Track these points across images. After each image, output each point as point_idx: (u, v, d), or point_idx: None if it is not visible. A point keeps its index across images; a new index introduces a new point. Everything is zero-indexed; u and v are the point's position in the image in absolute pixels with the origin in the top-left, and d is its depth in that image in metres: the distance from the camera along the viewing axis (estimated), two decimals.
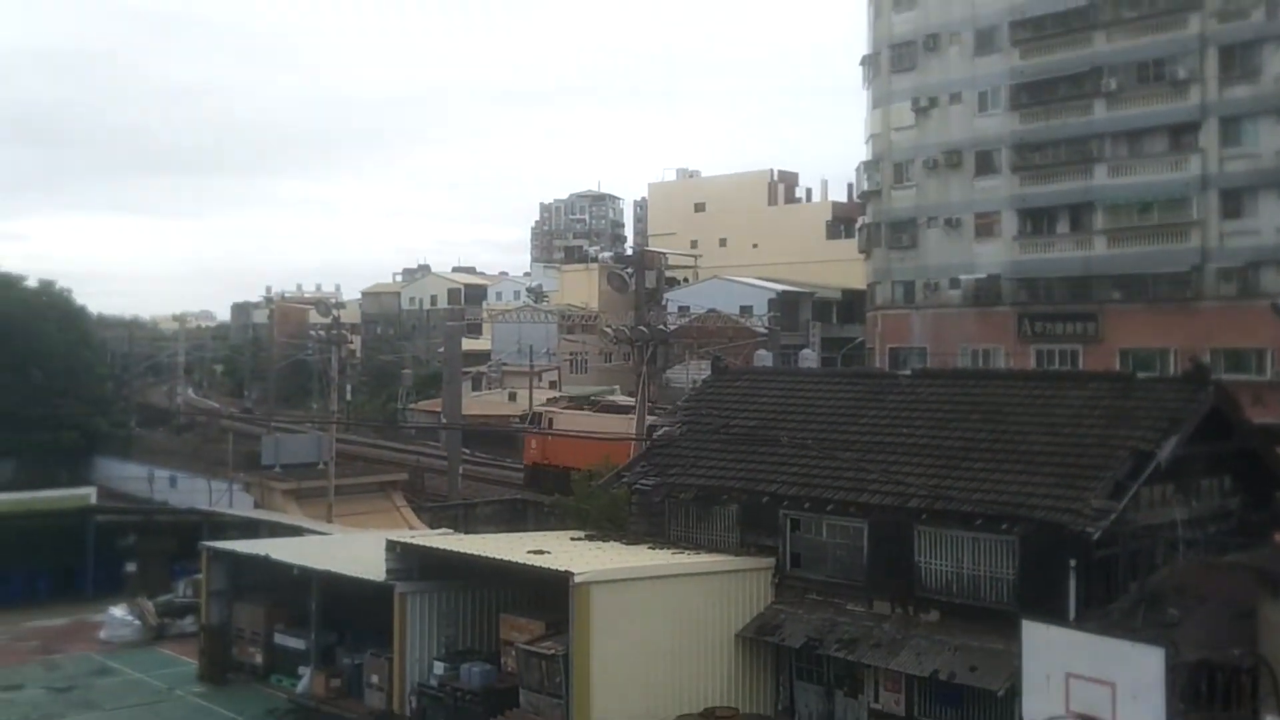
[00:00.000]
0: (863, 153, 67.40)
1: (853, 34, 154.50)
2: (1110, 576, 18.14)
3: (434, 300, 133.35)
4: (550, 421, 56.20)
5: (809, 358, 63.46)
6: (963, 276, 60.76)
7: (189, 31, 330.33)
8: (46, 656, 28.26)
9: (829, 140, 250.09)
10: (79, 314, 74.71)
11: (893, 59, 64.24)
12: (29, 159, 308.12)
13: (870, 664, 19.34)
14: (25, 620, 31.84)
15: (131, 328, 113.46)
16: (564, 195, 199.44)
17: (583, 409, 58.80)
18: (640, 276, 32.33)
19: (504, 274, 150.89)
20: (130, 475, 57.17)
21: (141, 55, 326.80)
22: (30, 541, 34.20)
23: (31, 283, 72.11)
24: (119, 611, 30.14)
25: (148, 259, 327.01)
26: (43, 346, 65.44)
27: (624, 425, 42.47)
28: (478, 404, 79.98)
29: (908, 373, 25.65)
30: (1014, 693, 16.74)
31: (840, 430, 22.66)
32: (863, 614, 20.15)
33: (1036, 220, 58.40)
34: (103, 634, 29.86)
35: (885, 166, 64.95)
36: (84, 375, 69.32)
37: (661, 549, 22.38)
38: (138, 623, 29.76)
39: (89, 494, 40.00)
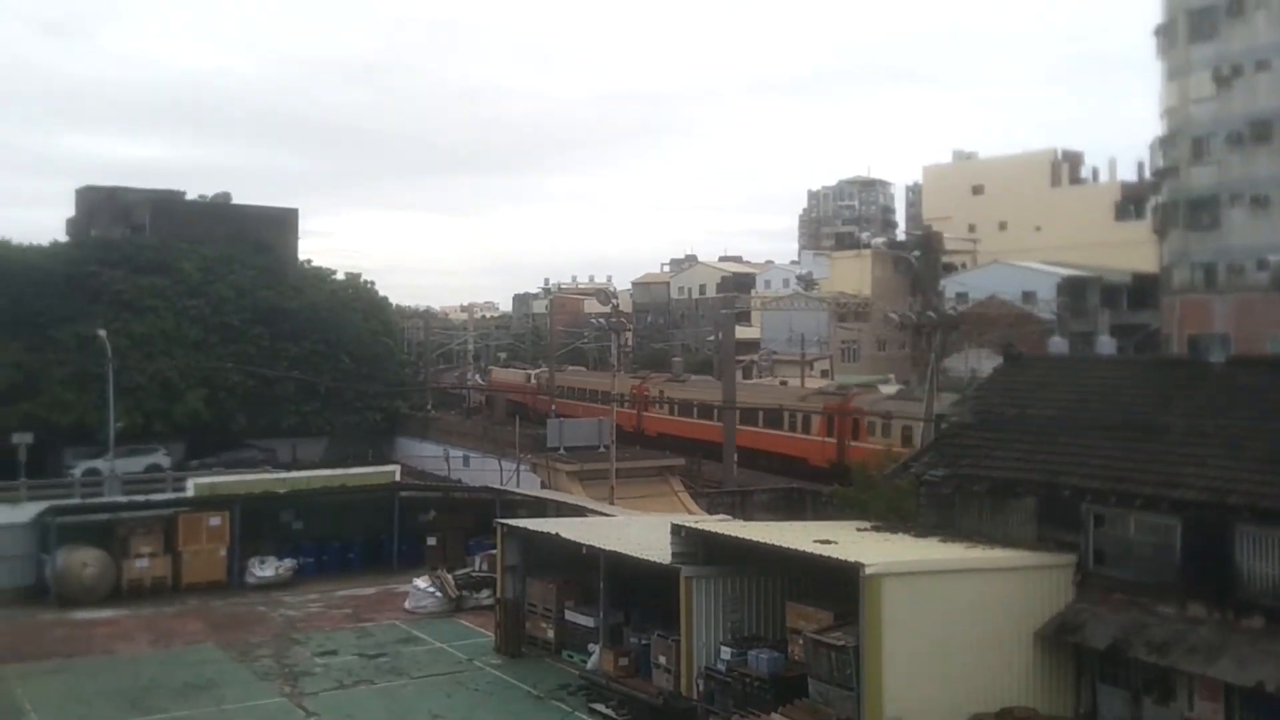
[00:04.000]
0: (1156, 128, 63.96)
1: (1143, 2, 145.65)
2: None
3: (702, 289, 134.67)
4: None
5: (1107, 345, 60.33)
6: (1271, 258, 56.43)
7: (465, 35, 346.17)
8: (358, 624, 30.16)
9: (1117, 117, 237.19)
10: (381, 305, 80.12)
11: (1190, 27, 60.34)
12: (327, 163, 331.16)
13: (1185, 670, 18.21)
14: (339, 589, 34.20)
15: (426, 318, 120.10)
16: (832, 182, 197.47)
17: None
18: (931, 259, 31.35)
19: (770, 262, 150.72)
20: (428, 454, 60.71)
21: (422, 60, 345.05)
22: (344, 515, 36.77)
23: (339, 277, 77.90)
24: (422, 583, 31.87)
25: (437, 254, 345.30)
26: (350, 335, 70.54)
27: None
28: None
29: (1221, 359, 23.92)
30: None
31: (1148, 421, 21.40)
32: (1174, 616, 18.98)
33: None
34: (407, 604, 31.58)
35: (1182, 142, 61.14)
36: (386, 361, 74.29)
37: (953, 542, 21.81)
38: (439, 594, 31.34)
39: (394, 471, 42.61)
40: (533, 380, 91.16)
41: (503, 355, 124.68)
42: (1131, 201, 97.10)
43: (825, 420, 55.23)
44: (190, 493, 37.37)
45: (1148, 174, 78.81)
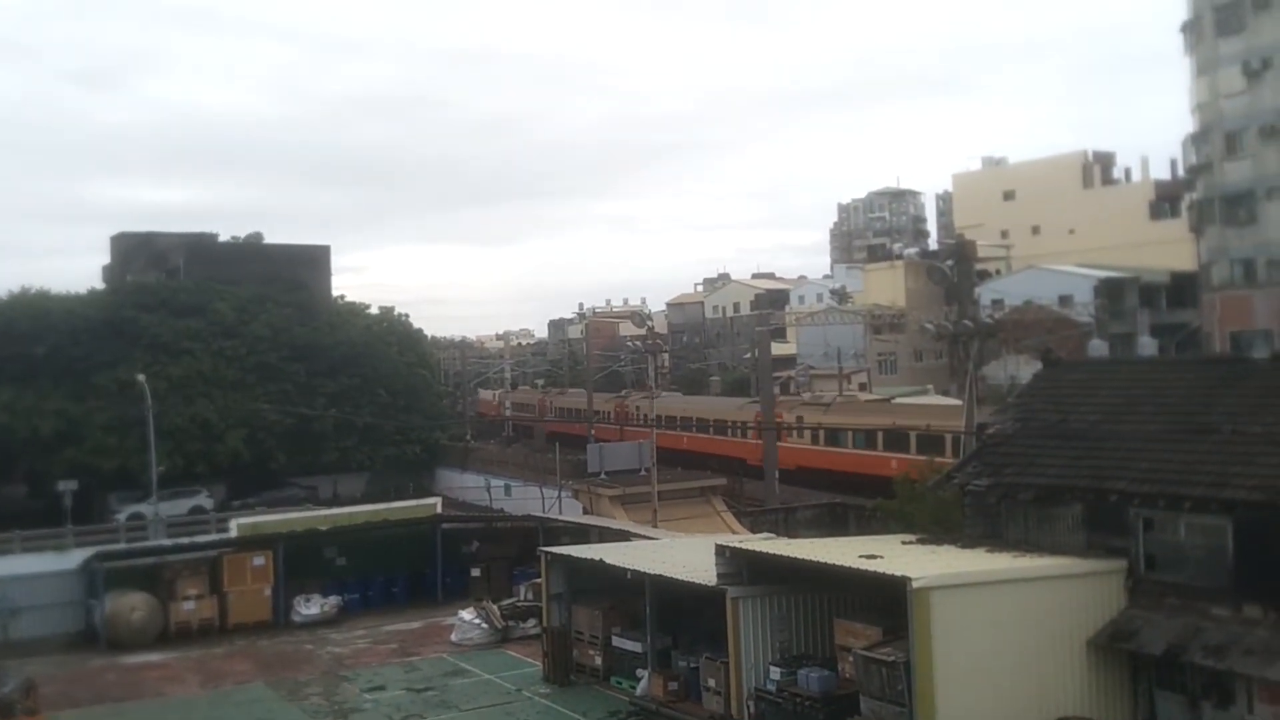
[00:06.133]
0: (1188, 125, 63.18)
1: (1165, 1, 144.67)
2: None
3: (736, 307, 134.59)
4: None
5: (1148, 345, 59.66)
6: None
7: (484, 66, 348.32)
8: (405, 658, 30.15)
9: (1147, 116, 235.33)
10: (416, 337, 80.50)
11: (1217, 22, 59.79)
12: (359, 199, 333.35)
13: (1243, 673, 17.86)
14: (385, 624, 34.25)
15: (462, 348, 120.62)
16: (861, 194, 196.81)
17: None
18: (966, 266, 31.11)
19: (803, 278, 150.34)
20: (469, 485, 60.78)
21: (449, 92, 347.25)
22: (388, 549, 36.87)
23: (374, 311, 78.33)
24: (468, 615, 31.83)
25: (471, 284, 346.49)
26: (387, 368, 70.90)
27: None
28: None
29: (1265, 356, 23.54)
30: None
31: (1193, 421, 21.09)
32: (1230, 619, 18.61)
33: None
34: (454, 636, 31.57)
35: (1215, 137, 60.46)
36: (423, 393, 74.65)
37: (1000, 552, 21.52)
38: (485, 625, 31.29)
39: (435, 503, 42.64)
40: (495, 399, 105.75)
41: (540, 381, 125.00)
42: (1166, 200, 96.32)
43: None
44: (233, 533, 37.56)
45: (1181, 171, 78.12)
